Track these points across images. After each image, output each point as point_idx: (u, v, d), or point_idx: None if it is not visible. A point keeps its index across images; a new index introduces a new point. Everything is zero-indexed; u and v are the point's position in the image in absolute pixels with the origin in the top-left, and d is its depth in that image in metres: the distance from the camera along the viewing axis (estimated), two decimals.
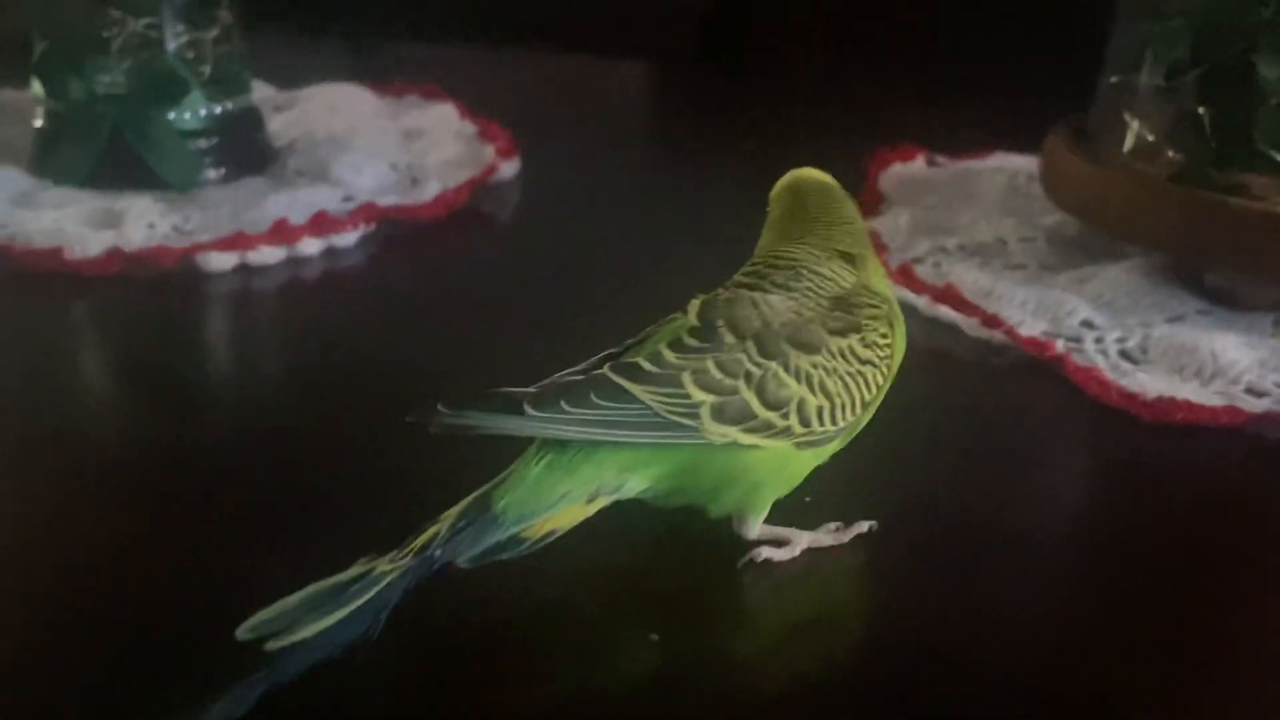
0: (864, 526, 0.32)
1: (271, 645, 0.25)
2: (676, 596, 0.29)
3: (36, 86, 0.53)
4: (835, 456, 0.31)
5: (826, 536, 0.31)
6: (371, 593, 0.26)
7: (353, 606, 0.25)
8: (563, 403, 0.27)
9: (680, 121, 0.79)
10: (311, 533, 0.30)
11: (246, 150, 0.56)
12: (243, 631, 0.25)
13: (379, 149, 0.58)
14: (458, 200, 0.54)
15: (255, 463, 0.34)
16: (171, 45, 0.53)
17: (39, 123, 0.53)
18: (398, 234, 0.52)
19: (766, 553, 0.30)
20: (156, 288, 0.45)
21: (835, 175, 0.34)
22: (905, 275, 0.45)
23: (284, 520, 0.31)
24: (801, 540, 0.31)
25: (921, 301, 0.44)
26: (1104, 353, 0.41)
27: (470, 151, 0.61)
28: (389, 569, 0.26)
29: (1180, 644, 0.29)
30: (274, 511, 0.32)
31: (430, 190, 0.54)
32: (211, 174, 0.54)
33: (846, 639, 0.29)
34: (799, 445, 0.29)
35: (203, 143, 0.54)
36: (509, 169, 0.59)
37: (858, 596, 0.31)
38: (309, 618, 0.25)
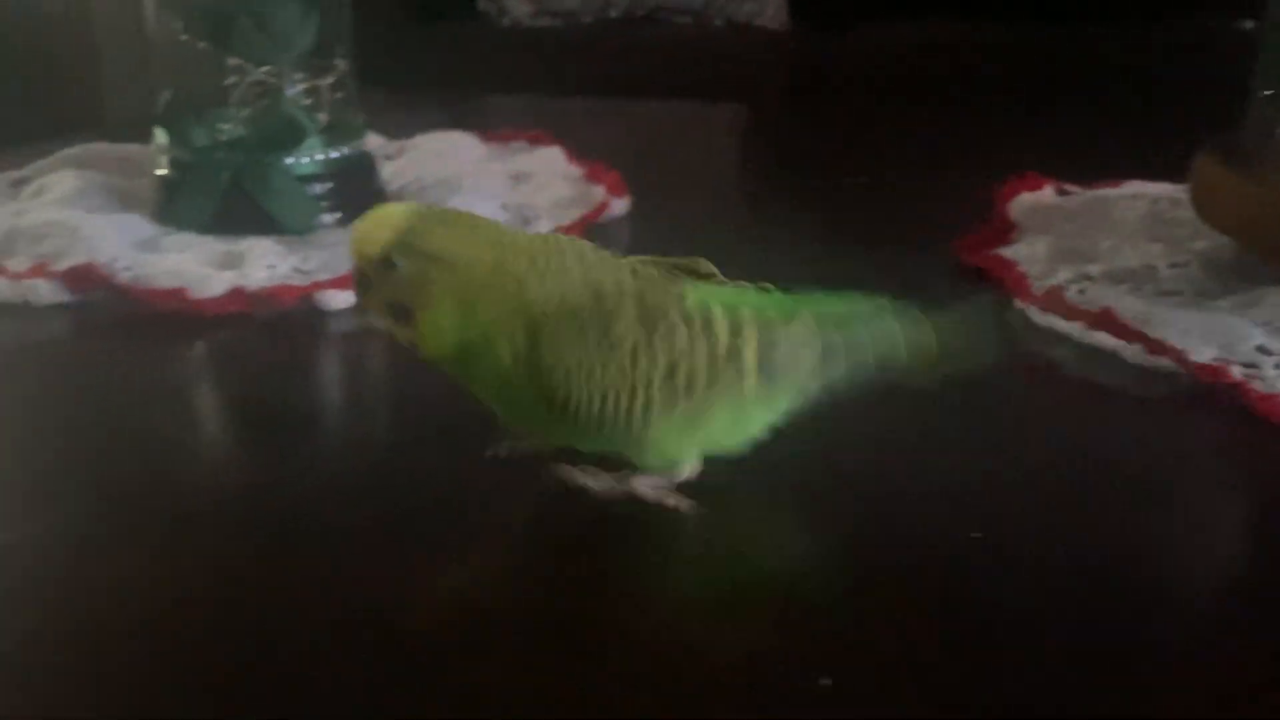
0: (684, 505, 0.31)
1: None
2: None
3: (160, 136, 0.54)
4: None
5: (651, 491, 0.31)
6: None
7: None
8: None
9: (785, 159, 0.77)
10: (430, 559, 0.29)
11: (360, 194, 0.56)
12: None
13: (489, 190, 0.58)
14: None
15: (374, 492, 0.33)
16: (290, 93, 0.54)
17: (162, 171, 0.54)
18: None
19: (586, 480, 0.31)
20: (277, 326, 0.45)
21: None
22: (1055, 301, 0.43)
23: (404, 547, 0.30)
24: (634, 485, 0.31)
25: (1074, 328, 0.41)
26: None
27: (578, 192, 0.60)
28: None
29: None
30: (396, 538, 0.30)
31: (543, 228, 0.53)
32: (327, 218, 0.54)
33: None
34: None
35: (318, 187, 0.54)
36: (619, 207, 0.58)
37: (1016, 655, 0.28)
38: None
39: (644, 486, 0.31)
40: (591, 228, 0.55)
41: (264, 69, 0.53)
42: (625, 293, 0.30)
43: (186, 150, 0.53)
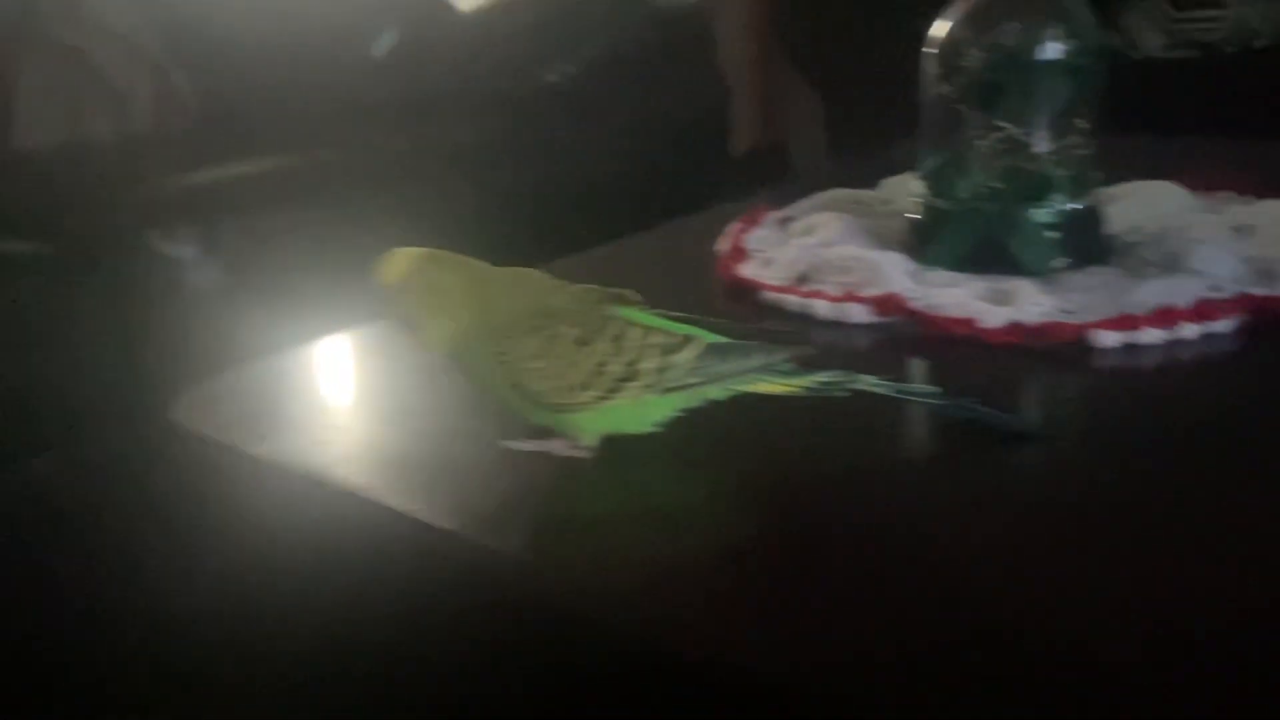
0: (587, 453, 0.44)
1: None
2: None
3: (917, 185, 0.64)
4: None
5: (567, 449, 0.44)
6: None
7: None
8: None
9: None
10: None
11: (1090, 242, 0.62)
12: None
13: (1221, 242, 0.60)
14: None
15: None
16: (1040, 150, 0.61)
17: (917, 215, 0.64)
18: (1261, 325, 0.53)
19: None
20: (1050, 358, 0.52)
21: None
22: None
23: None
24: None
25: None
26: None
27: None
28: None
29: None
30: None
31: None
32: (1061, 262, 0.60)
33: None
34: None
35: (1056, 235, 0.61)
36: None
37: None
38: None
39: (561, 446, 0.44)
40: None
41: (1019, 130, 0.61)
42: (565, 312, 0.42)
43: (947, 199, 0.63)
